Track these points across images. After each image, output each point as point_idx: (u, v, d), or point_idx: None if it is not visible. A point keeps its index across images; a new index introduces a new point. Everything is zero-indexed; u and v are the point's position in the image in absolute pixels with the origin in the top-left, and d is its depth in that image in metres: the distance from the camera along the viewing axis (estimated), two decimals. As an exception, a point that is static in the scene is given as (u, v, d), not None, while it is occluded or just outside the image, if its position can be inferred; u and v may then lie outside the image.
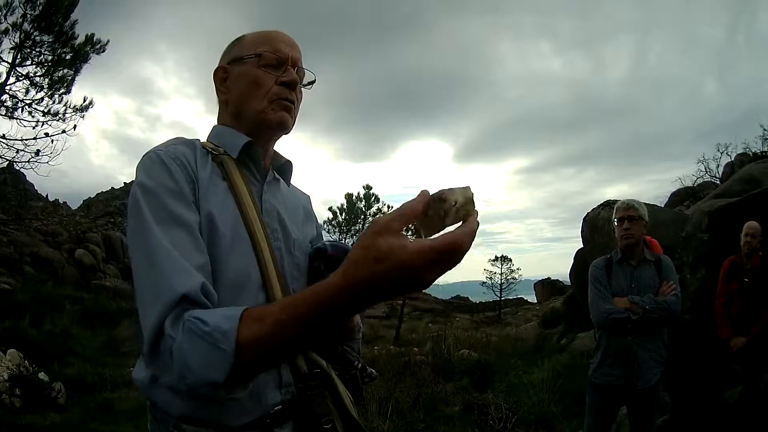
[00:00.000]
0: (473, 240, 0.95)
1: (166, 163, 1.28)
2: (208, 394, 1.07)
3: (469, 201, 0.98)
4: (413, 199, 0.98)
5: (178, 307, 1.09)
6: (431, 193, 0.98)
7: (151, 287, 1.13)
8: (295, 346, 1.10)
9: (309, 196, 1.77)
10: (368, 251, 0.92)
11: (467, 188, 0.99)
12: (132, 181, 1.32)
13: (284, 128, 1.49)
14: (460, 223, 0.97)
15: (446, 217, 0.96)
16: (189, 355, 1.02)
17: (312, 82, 1.57)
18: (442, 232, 0.96)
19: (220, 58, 1.56)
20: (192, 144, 1.41)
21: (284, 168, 1.62)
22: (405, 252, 0.89)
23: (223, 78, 1.52)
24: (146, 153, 1.33)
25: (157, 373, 1.16)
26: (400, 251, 0.90)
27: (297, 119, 1.53)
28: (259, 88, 1.44)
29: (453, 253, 0.92)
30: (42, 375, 7.96)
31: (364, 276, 0.92)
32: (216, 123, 1.56)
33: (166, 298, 1.09)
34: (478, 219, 0.98)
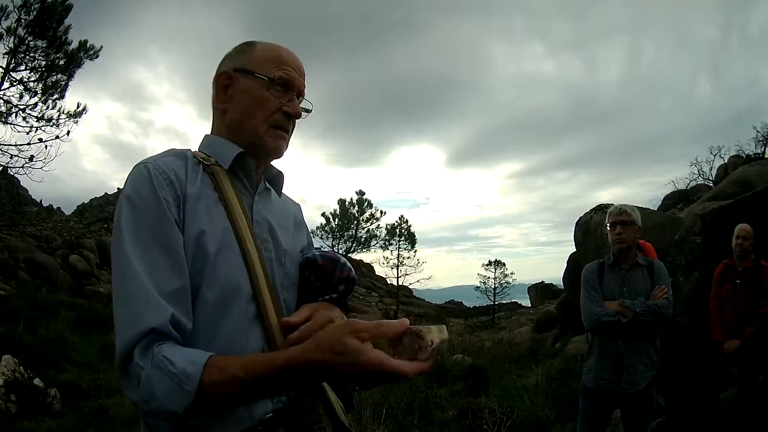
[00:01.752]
0: (420, 374, 1.10)
1: (153, 177, 1.29)
2: (167, 420, 1.18)
3: (444, 342, 1.11)
4: (393, 322, 1.10)
5: (147, 338, 1.16)
6: (410, 326, 1.11)
7: (122, 313, 1.20)
8: (249, 397, 1.20)
9: (300, 206, 1.78)
10: (335, 342, 1.07)
11: (443, 327, 1.12)
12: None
13: (278, 156, 1.52)
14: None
15: (419, 352, 1.09)
16: (155, 387, 1.11)
17: (308, 111, 1.57)
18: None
19: (223, 61, 1.53)
20: (183, 155, 1.42)
21: (276, 179, 1.61)
22: (364, 357, 1.05)
23: (225, 85, 1.49)
24: (137, 164, 1.34)
25: (123, 388, 1.21)
26: (361, 355, 1.05)
27: None
28: (263, 110, 1.44)
29: (400, 378, 1.08)
30: (37, 381, 7.93)
31: (323, 360, 1.07)
32: (209, 131, 1.55)
33: (135, 329, 1.16)
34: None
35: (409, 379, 1.09)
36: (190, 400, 1.09)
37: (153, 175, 1.29)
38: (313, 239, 1.82)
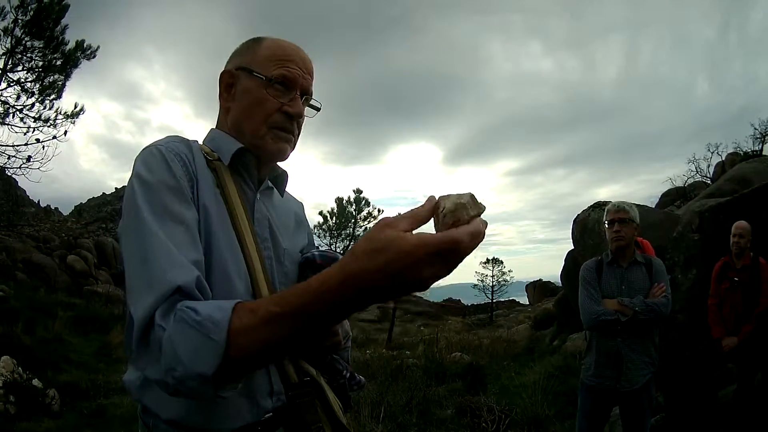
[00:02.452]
0: (477, 241, 0.92)
1: (167, 158, 1.25)
2: (196, 390, 1.02)
3: (461, 207, 0.95)
4: (422, 204, 0.98)
5: (171, 299, 1.06)
6: (437, 198, 0.98)
7: (143, 278, 1.10)
8: (286, 342, 1.03)
9: (302, 204, 1.76)
10: (370, 242, 0.92)
11: (463, 194, 0.97)
12: (123, 187, 1.30)
13: (281, 158, 1.47)
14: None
15: (439, 224, 0.96)
16: (179, 345, 0.99)
17: (317, 109, 1.52)
18: None
19: (231, 58, 1.49)
20: (189, 145, 1.37)
21: (279, 178, 1.59)
22: (405, 242, 0.89)
23: (228, 84, 1.46)
24: (146, 147, 1.29)
25: (142, 367, 1.12)
26: (401, 241, 0.89)
27: None
28: (261, 111, 1.39)
29: (452, 249, 0.90)
30: (36, 381, 7.92)
31: (363, 267, 0.91)
32: (208, 128, 1.52)
33: (160, 289, 1.06)
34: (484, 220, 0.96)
35: (464, 247, 0.91)
36: (220, 353, 0.96)
37: (167, 156, 1.25)
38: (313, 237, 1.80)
